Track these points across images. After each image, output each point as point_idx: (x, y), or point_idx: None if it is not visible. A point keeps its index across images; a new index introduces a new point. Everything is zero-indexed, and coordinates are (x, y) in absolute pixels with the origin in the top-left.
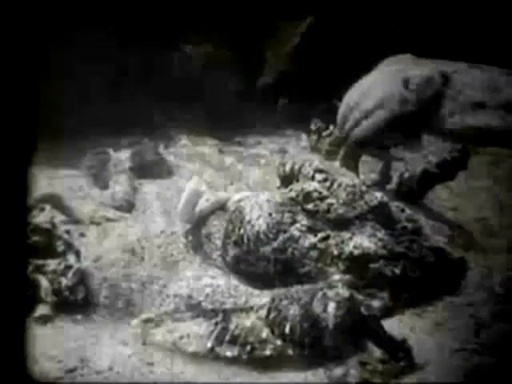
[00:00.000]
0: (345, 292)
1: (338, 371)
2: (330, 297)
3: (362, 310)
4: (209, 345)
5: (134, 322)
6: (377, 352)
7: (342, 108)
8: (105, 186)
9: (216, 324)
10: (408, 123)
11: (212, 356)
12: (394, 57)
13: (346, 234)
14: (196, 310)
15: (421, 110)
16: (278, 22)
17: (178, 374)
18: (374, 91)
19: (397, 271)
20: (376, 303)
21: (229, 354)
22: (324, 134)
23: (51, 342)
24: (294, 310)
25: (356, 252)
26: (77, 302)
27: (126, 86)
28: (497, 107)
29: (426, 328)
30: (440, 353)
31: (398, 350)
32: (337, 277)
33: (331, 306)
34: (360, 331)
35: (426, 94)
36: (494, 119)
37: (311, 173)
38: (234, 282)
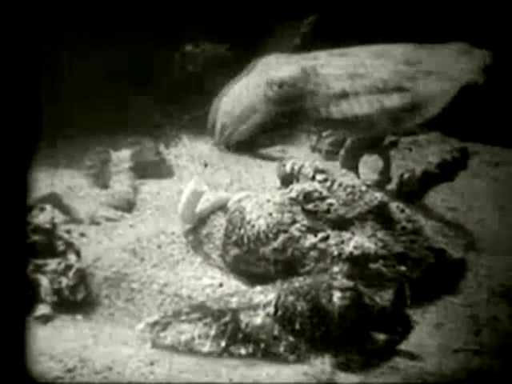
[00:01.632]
0: (349, 282)
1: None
2: (335, 286)
3: (366, 299)
4: (223, 344)
5: (140, 326)
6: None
7: (220, 116)
8: (105, 186)
9: (226, 324)
10: (280, 122)
11: (226, 355)
12: (259, 59)
13: (346, 234)
14: (201, 310)
15: (289, 109)
16: (279, 22)
17: (178, 373)
18: (244, 96)
19: (397, 271)
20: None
21: (243, 351)
22: (324, 134)
23: (51, 341)
24: (301, 306)
25: (356, 252)
26: (77, 301)
27: (126, 85)
28: (362, 93)
29: (426, 328)
30: (440, 353)
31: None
32: (336, 268)
33: (336, 296)
34: (365, 320)
35: (290, 93)
36: (360, 107)
37: (311, 173)
38: (234, 282)
